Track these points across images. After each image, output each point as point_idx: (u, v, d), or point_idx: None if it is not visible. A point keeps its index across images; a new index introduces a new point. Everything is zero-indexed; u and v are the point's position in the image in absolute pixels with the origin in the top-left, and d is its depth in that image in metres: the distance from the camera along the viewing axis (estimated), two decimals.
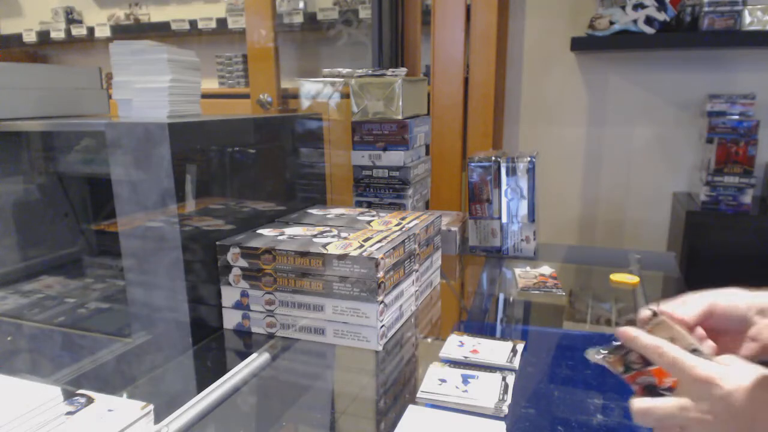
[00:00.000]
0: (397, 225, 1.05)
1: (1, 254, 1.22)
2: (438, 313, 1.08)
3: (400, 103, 1.28)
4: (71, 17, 3.51)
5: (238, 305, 0.95)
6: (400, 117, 1.29)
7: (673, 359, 0.52)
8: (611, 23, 1.99)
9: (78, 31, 3.43)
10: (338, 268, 0.87)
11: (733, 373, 0.49)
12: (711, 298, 0.61)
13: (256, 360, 0.85)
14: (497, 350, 0.85)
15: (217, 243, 0.94)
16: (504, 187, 1.33)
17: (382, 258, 0.85)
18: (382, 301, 0.87)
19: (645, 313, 0.59)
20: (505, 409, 0.70)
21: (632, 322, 0.61)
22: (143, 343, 0.93)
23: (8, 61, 1.22)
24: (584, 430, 0.69)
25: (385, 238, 0.95)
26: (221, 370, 0.81)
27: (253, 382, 0.81)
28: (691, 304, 0.60)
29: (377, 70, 1.34)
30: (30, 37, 3.56)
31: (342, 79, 1.96)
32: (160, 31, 3.24)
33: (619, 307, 1.11)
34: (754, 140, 1.89)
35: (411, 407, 0.71)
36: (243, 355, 0.86)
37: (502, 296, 1.18)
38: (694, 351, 0.53)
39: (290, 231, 1.01)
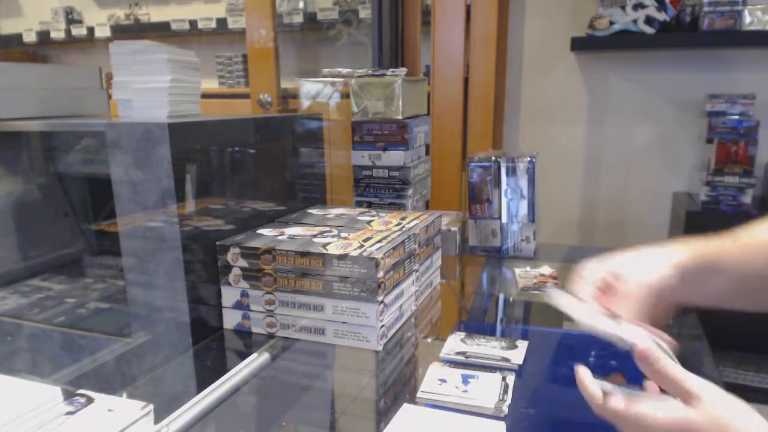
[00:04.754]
0: (397, 225, 1.05)
1: (1, 254, 1.22)
2: (438, 313, 1.08)
3: (400, 103, 1.28)
4: (71, 17, 3.51)
5: (238, 305, 0.95)
6: (400, 117, 1.29)
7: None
8: (611, 23, 1.99)
9: (78, 31, 3.43)
10: (338, 268, 0.87)
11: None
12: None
13: (256, 360, 0.85)
14: (497, 350, 0.85)
15: (217, 243, 0.94)
16: (504, 187, 1.33)
17: (382, 258, 0.85)
18: (382, 301, 0.87)
19: None
20: (505, 409, 0.70)
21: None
22: (143, 343, 0.93)
23: (8, 61, 1.22)
24: (584, 430, 0.69)
25: (385, 238, 0.95)
26: (221, 370, 0.81)
27: (253, 382, 0.81)
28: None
29: (377, 70, 1.34)
30: (30, 37, 3.56)
31: (342, 79, 1.96)
32: (160, 31, 3.24)
33: None
34: (754, 140, 1.89)
35: (406, 406, 0.71)
36: (243, 355, 0.86)
37: (502, 296, 1.18)
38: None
39: (290, 231, 1.01)
